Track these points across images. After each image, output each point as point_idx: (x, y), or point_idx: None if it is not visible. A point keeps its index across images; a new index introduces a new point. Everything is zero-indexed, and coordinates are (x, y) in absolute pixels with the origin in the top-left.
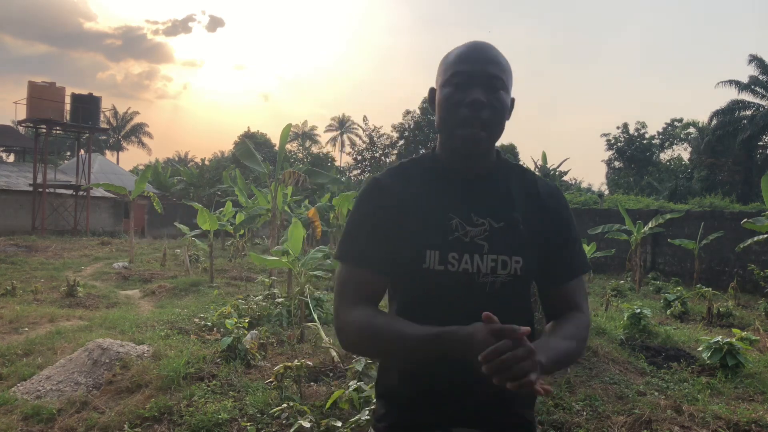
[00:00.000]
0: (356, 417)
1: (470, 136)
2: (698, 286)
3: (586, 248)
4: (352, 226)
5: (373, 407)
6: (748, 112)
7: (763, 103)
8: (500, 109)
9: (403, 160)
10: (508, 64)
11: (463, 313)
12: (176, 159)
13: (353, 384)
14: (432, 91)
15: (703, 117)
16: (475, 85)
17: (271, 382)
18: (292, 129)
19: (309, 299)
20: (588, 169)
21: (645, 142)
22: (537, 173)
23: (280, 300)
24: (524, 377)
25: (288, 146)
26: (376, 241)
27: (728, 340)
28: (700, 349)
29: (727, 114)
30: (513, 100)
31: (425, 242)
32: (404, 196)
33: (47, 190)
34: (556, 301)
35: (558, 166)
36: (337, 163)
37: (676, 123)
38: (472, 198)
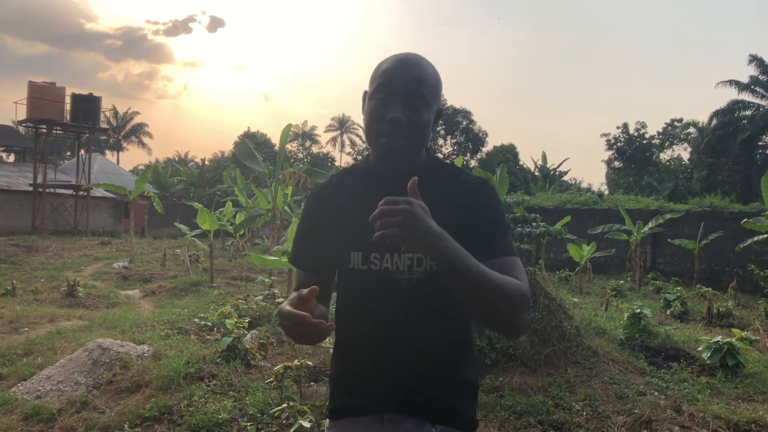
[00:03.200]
0: None
1: (389, 145)
2: (698, 286)
3: (586, 248)
4: (296, 232)
5: None
6: (748, 112)
7: (763, 103)
8: (419, 126)
9: (345, 166)
10: (436, 78)
11: (383, 308)
12: (176, 159)
13: None
14: (365, 94)
15: (703, 117)
16: (396, 101)
17: (271, 382)
18: (292, 129)
19: None
20: (588, 169)
21: (645, 142)
22: (537, 173)
23: (280, 300)
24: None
25: (288, 146)
26: (308, 245)
27: (728, 340)
28: (700, 349)
29: (727, 114)
30: (439, 110)
31: (350, 244)
32: (339, 200)
33: (47, 190)
34: None
35: (558, 166)
36: (337, 163)
37: (676, 123)
38: None
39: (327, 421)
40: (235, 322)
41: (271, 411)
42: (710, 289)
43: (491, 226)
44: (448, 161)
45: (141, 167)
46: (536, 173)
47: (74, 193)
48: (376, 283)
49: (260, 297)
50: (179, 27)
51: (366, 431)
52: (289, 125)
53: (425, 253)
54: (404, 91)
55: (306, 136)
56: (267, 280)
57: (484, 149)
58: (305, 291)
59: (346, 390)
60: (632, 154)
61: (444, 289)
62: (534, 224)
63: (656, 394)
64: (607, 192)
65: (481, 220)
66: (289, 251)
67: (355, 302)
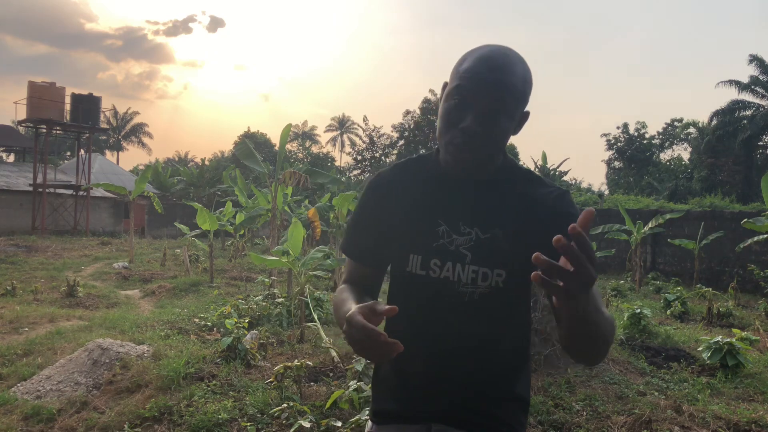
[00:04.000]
0: (356, 417)
1: (458, 158)
2: (698, 286)
3: None
4: (351, 219)
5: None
6: (748, 112)
7: (763, 103)
8: (494, 138)
9: (411, 156)
10: (524, 80)
11: (441, 319)
12: (176, 159)
13: (353, 384)
14: (445, 84)
15: (703, 117)
16: (473, 108)
17: (271, 382)
18: (292, 129)
19: (309, 299)
20: (588, 169)
21: (645, 142)
22: (538, 173)
23: (280, 300)
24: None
25: (288, 146)
26: (365, 236)
27: (728, 340)
28: (700, 349)
29: (727, 114)
30: (527, 113)
31: (410, 246)
32: (401, 194)
33: (47, 190)
34: None
35: (558, 166)
36: (337, 163)
37: (676, 123)
38: (464, 206)
39: (369, 424)
40: (235, 322)
41: (271, 411)
42: (710, 289)
43: None
44: (525, 167)
45: (141, 167)
46: (536, 173)
47: (74, 193)
48: (433, 291)
49: (260, 297)
50: (179, 27)
51: None
52: (289, 125)
53: (584, 297)
54: (484, 98)
55: (306, 136)
56: (267, 280)
57: None
58: (383, 307)
59: (392, 394)
60: (632, 154)
61: (507, 306)
62: None
63: (656, 394)
64: (607, 192)
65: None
66: (343, 238)
67: (408, 307)
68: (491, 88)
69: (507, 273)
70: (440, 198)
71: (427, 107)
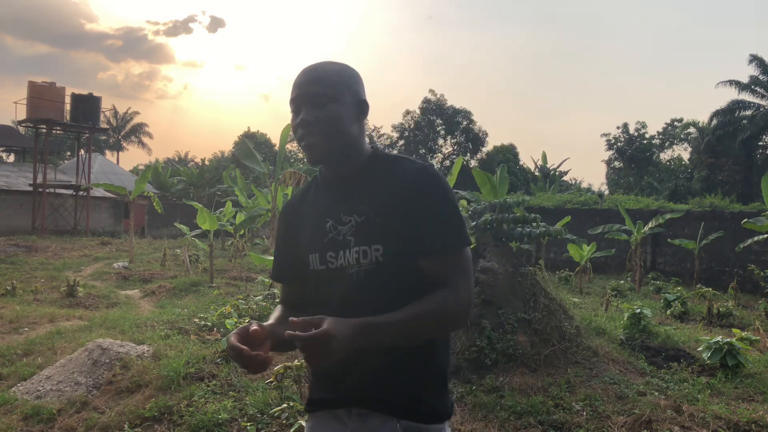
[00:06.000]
0: None
1: (307, 146)
2: (698, 286)
3: (586, 248)
4: (274, 248)
5: None
6: (748, 112)
7: (763, 103)
8: (329, 120)
9: (309, 180)
10: (339, 73)
11: (340, 304)
12: (176, 159)
13: None
14: None
15: (703, 117)
16: (302, 106)
17: (271, 382)
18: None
19: None
20: (588, 169)
21: (645, 142)
22: (412, 160)
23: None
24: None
25: (288, 146)
26: (283, 258)
27: (728, 340)
28: (700, 349)
29: (727, 114)
30: (362, 102)
31: (309, 247)
32: (300, 212)
33: (47, 190)
34: (427, 277)
35: (558, 166)
36: None
37: (676, 123)
38: (341, 199)
39: (307, 415)
40: (235, 322)
41: (271, 411)
42: (710, 289)
43: (430, 218)
44: (393, 153)
45: (141, 167)
46: (536, 173)
47: (74, 193)
48: (331, 281)
49: (260, 297)
50: (179, 27)
51: (336, 423)
52: (289, 125)
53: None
54: (305, 94)
55: None
56: (267, 280)
57: (484, 149)
58: (252, 327)
59: (319, 384)
60: (632, 154)
61: (394, 280)
62: (534, 224)
63: (656, 394)
64: (607, 192)
65: (418, 211)
66: (272, 269)
67: (317, 301)
68: (307, 84)
69: (384, 246)
70: (323, 200)
71: (427, 107)
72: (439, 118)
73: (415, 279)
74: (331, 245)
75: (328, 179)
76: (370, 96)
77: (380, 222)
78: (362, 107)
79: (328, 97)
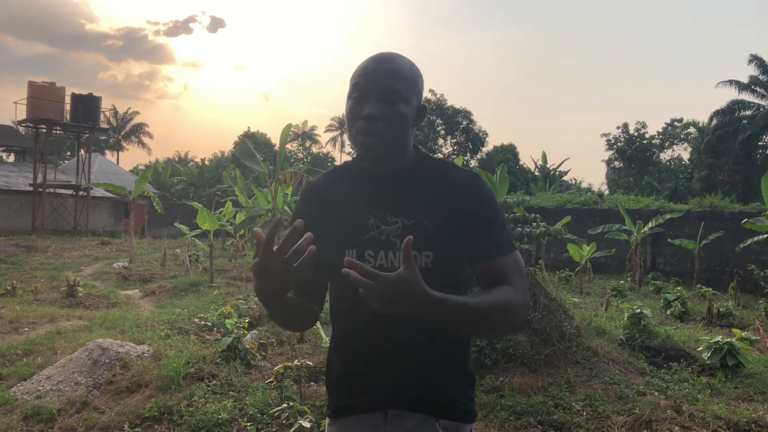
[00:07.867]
0: None
1: (366, 143)
2: (698, 286)
3: (586, 248)
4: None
5: None
6: (748, 112)
7: (763, 103)
8: (395, 120)
9: (336, 164)
10: (412, 72)
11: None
12: (176, 159)
13: None
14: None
15: (703, 117)
16: (370, 98)
17: (271, 382)
18: (292, 129)
19: None
20: (588, 169)
21: (645, 142)
22: (460, 168)
23: None
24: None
25: (288, 146)
26: None
27: (728, 340)
28: (700, 349)
29: (727, 114)
30: (422, 107)
31: (344, 241)
32: (330, 198)
33: (47, 190)
34: (485, 279)
35: (558, 166)
36: (337, 163)
37: (676, 123)
38: (387, 198)
39: (327, 419)
40: (235, 322)
41: (271, 411)
42: (710, 289)
43: (485, 226)
44: (440, 157)
45: (141, 167)
46: (536, 173)
47: (74, 193)
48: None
49: None
50: (180, 27)
51: (369, 428)
52: (289, 125)
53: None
54: (378, 87)
55: (306, 136)
56: None
57: (484, 149)
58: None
59: (347, 391)
60: (632, 154)
61: (439, 285)
62: (534, 224)
63: (656, 394)
64: (607, 192)
65: (473, 219)
66: None
67: (350, 301)
68: (382, 76)
69: (434, 253)
70: (365, 195)
71: (427, 107)
72: (439, 118)
73: (455, 282)
74: (371, 243)
75: (370, 174)
76: None
77: (433, 228)
78: (422, 112)
79: (400, 95)
